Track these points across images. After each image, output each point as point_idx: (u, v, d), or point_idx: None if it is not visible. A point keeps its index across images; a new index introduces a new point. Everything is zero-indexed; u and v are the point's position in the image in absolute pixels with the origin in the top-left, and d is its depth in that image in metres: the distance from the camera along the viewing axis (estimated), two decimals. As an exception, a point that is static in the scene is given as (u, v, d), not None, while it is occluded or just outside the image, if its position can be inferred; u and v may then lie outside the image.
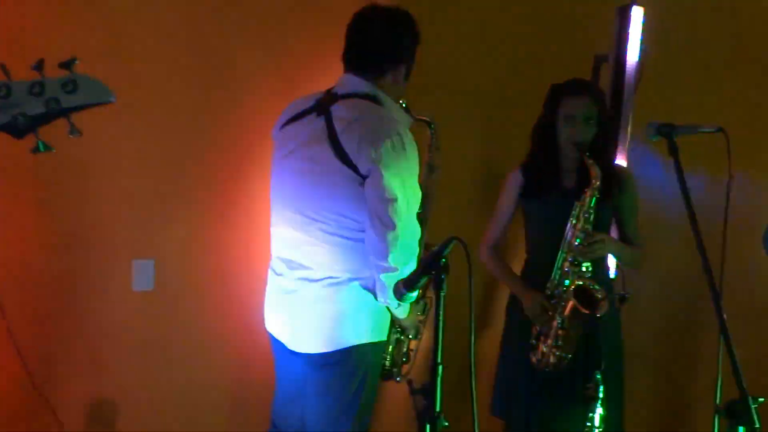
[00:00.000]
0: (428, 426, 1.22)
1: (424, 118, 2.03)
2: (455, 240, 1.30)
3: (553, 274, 1.96)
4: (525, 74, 2.71)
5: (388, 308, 1.75)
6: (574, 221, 1.93)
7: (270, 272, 1.87)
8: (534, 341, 1.98)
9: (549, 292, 1.97)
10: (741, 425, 1.40)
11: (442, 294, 1.27)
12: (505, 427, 2.15)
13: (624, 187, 2.07)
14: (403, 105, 1.85)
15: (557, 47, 2.86)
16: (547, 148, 2.07)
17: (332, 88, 1.76)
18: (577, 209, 1.92)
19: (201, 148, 2.29)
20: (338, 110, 1.68)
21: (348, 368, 1.73)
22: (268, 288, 1.88)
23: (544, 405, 1.99)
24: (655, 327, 3.10)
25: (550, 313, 1.93)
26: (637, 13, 2.56)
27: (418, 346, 1.91)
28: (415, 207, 1.70)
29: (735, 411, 1.40)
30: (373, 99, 1.71)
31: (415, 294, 1.51)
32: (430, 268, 1.31)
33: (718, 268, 2.87)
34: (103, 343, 2.24)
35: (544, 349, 1.93)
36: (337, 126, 1.65)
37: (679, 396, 3.17)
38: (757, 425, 1.35)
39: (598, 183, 1.90)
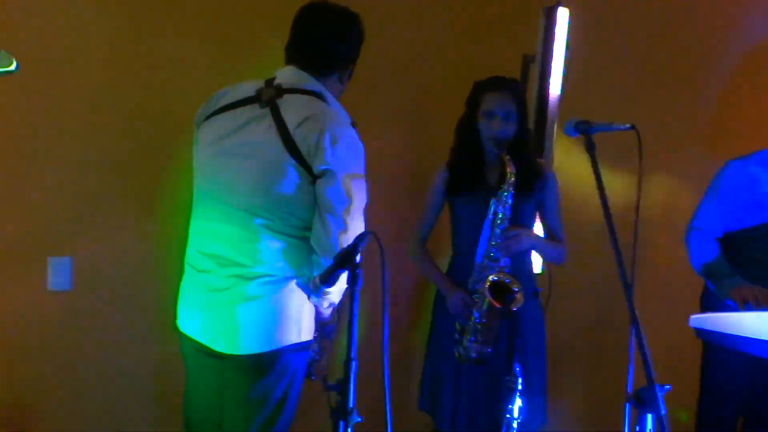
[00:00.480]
0: (341, 422, 1.20)
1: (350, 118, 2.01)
2: (370, 234, 1.29)
3: (473, 271, 2.00)
4: (455, 73, 2.74)
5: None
6: (491, 217, 1.96)
7: (189, 269, 1.80)
8: (458, 336, 2.01)
9: (470, 288, 2.00)
10: (648, 412, 1.45)
11: (357, 289, 1.26)
12: (432, 422, 2.18)
13: (545, 183, 2.12)
14: None
15: (487, 47, 2.91)
16: (469, 145, 2.10)
17: (273, 80, 1.70)
18: (494, 205, 1.96)
19: (119, 142, 2.21)
20: (288, 104, 1.63)
21: (276, 371, 1.68)
22: (185, 286, 1.81)
23: (469, 399, 2.02)
24: (581, 320, 3.20)
25: (470, 308, 1.96)
26: (562, 14, 2.62)
27: (330, 344, 1.89)
28: (363, 207, 1.69)
29: (643, 399, 1.44)
30: (320, 97, 1.67)
31: (331, 288, 1.49)
32: (345, 263, 1.29)
33: (638, 263, 3.02)
34: (16, 344, 2.14)
35: (467, 344, 1.96)
36: (289, 121, 1.60)
37: (603, 387, 3.27)
38: (663, 412, 1.40)
39: (513, 179, 1.94)
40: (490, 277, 1.93)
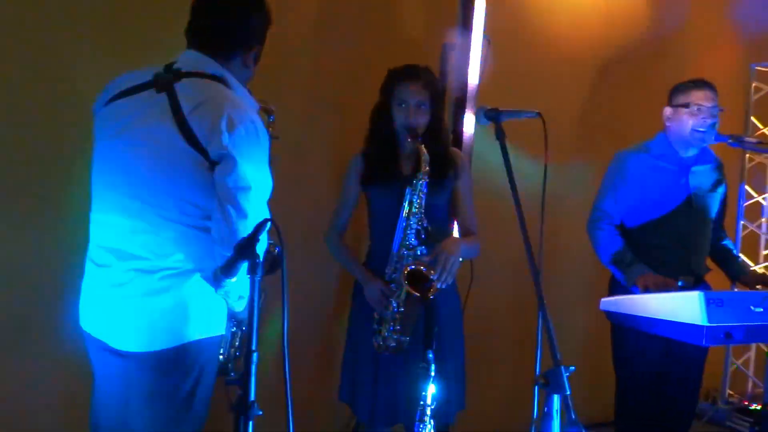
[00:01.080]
0: (242, 416, 1.16)
1: (266, 105, 1.95)
2: (269, 222, 1.25)
3: (389, 260, 1.99)
4: (375, 62, 2.71)
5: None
6: (406, 207, 1.96)
7: (89, 264, 1.71)
8: (376, 326, 2.00)
9: (388, 278, 1.99)
10: (555, 393, 1.47)
11: (257, 279, 1.22)
12: (351, 412, 2.16)
13: (459, 172, 2.13)
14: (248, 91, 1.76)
15: (408, 35, 2.90)
16: (383, 134, 2.08)
17: (173, 64, 1.63)
18: (409, 195, 1.95)
19: (10, 133, 2.07)
20: (184, 88, 1.56)
21: (182, 367, 1.61)
22: (86, 282, 1.72)
23: (387, 387, 2.01)
24: (501, 306, 3.26)
25: (389, 298, 1.95)
26: (479, 4, 2.65)
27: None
28: (267, 195, 1.63)
29: (549, 380, 1.47)
30: (222, 81, 1.61)
31: (233, 279, 1.43)
32: (245, 253, 1.25)
33: (558, 250, 3.09)
34: None
35: (385, 334, 1.95)
36: (185, 105, 1.52)
37: (522, 372, 3.35)
38: (568, 392, 1.42)
39: (427, 168, 1.94)
40: (408, 266, 1.92)
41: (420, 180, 1.94)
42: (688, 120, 2.42)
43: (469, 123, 2.67)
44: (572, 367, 1.47)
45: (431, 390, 1.68)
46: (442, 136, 2.12)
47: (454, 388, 2.05)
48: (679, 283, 2.40)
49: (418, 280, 1.90)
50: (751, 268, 2.57)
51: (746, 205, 4.25)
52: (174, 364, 1.60)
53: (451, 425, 2.20)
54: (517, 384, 3.34)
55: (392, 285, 1.97)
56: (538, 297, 1.53)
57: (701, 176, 2.53)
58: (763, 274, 2.61)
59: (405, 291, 1.88)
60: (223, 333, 1.72)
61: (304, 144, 2.56)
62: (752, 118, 4.22)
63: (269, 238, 1.64)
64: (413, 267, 1.92)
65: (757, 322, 1.92)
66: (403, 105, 2.03)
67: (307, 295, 2.63)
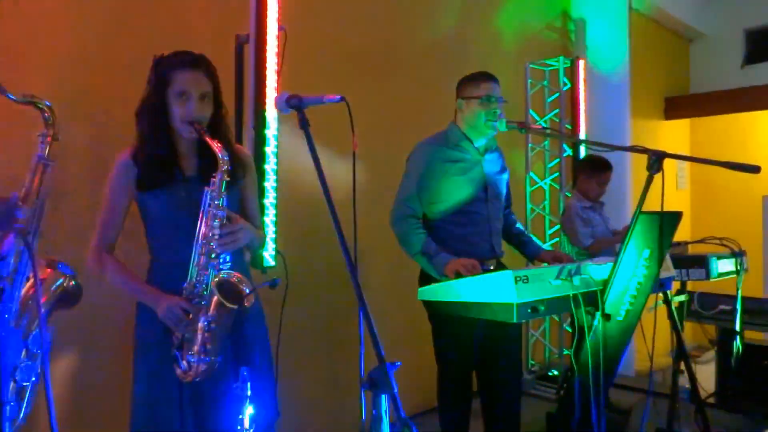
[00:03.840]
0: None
1: (36, 100, 1.57)
2: None
3: (189, 273, 1.73)
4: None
5: None
6: (207, 210, 1.72)
7: None
8: (177, 351, 1.72)
9: (187, 293, 1.73)
10: (382, 393, 1.39)
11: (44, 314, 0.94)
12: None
13: (246, 169, 1.95)
14: None
15: (198, 27, 2.67)
16: (159, 132, 1.80)
17: None
18: (208, 197, 1.72)
19: None
20: None
21: None
22: None
23: (196, 417, 1.75)
24: (318, 308, 3.16)
25: (191, 316, 1.69)
26: (273, -7, 2.51)
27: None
28: None
29: (375, 380, 1.38)
30: None
31: None
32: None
33: (373, 245, 3.06)
34: None
35: (191, 357, 1.69)
36: None
37: (342, 373, 3.29)
38: (395, 390, 1.34)
39: (226, 166, 1.73)
40: (222, 275, 1.69)
41: (220, 180, 1.72)
42: (479, 110, 2.51)
43: (271, 117, 2.51)
44: (398, 362, 1.40)
45: (249, 411, 1.49)
46: (226, 131, 1.91)
47: (266, 399, 1.86)
48: (484, 267, 2.50)
49: (229, 291, 1.69)
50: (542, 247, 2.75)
51: (531, 192, 4.68)
52: None
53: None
54: (337, 386, 3.27)
55: (195, 300, 1.71)
56: (357, 294, 1.43)
57: (492, 164, 2.66)
58: (554, 250, 2.81)
59: (216, 304, 1.65)
60: None
61: (63, 150, 2.19)
62: (531, 111, 4.66)
63: (70, 270, 1.38)
64: (224, 276, 1.70)
65: (557, 294, 2.03)
66: (185, 97, 1.78)
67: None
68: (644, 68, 5.50)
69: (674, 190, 7.35)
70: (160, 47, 1.86)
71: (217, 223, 1.72)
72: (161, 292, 1.74)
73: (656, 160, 2.01)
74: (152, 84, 1.79)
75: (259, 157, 2.52)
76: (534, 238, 2.86)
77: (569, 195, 4.25)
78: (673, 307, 2.94)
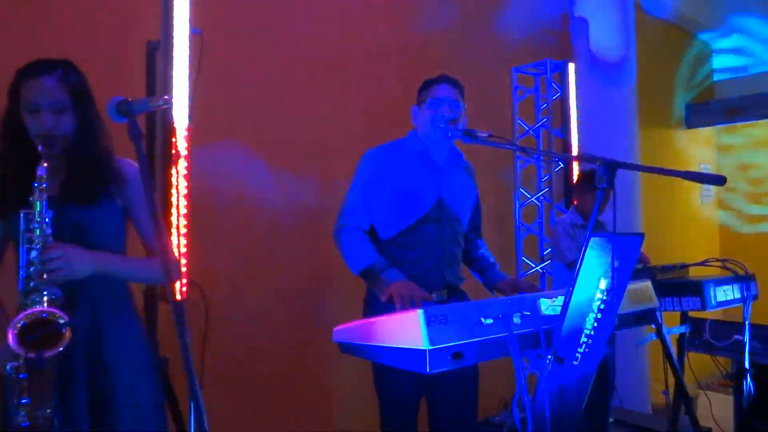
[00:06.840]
0: None
1: None
2: None
3: (18, 308, 1.44)
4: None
5: None
6: (25, 236, 1.44)
7: None
8: (17, 401, 1.43)
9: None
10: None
11: None
12: None
13: (126, 184, 1.66)
14: None
15: (107, 34, 2.44)
16: (18, 148, 1.57)
17: None
18: (25, 221, 1.44)
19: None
20: None
21: None
22: None
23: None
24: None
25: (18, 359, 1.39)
26: (185, -5, 2.24)
27: None
28: None
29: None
30: None
31: None
32: None
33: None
34: None
35: (27, 413, 1.40)
36: None
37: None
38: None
39: (44, 184, 1.46)
40: (22, 320, 1.39)
41: (38, 200, 1.44)
42: (428, 114, 2.23)
43: (180, 128, 2.22)
44: None
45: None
46: (95, 143, 1.63)
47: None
48: (435, 297, 2.16)
49: (42, 334, 1.38)
50: (511, 277, 2.38)
51: (522, 209, 4.26)
52: None
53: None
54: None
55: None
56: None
57: (451, 179, 2.32)
58: (513, 279, 2.41)
59: (20, 357, 1.35)
60: None
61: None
62: (519, 120, 4.26)
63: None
64: (25, 322, 1.39)
65: (488, 335, 1.66)
66: (33, 110, 1.53)
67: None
68: (656, 72, 5.06)
69: (698, 204, 6.80)
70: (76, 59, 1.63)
71: (36, 253, 1.42)
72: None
73: (605, 170, 1.63)
74: (9, 94, 1.57)
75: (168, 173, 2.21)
76: (496, 266, 2.47)
77: (561, 212, 3.83)
78: (668, 342, 2.51)
